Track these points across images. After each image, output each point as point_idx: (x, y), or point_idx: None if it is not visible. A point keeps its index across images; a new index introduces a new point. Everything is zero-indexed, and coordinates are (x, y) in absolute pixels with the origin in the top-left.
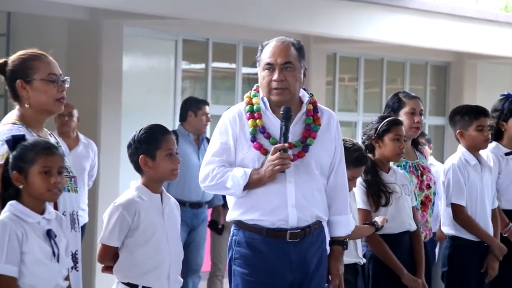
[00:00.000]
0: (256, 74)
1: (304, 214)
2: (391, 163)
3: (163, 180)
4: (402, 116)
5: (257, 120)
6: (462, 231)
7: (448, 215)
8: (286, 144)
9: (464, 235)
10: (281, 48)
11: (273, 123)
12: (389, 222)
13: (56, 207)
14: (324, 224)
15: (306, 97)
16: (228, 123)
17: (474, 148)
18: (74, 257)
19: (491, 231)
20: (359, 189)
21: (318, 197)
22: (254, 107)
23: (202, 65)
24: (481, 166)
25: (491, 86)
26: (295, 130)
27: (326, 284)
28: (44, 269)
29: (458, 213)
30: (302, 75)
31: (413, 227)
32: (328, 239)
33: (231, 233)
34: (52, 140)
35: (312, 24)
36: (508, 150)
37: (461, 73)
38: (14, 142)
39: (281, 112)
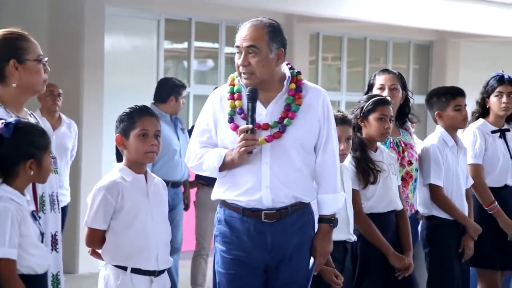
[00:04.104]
0: None
1: (278, 196)
2: (378, 143)
3: (138, 162)
4: (375, 92)
5: (236, 101)
6: (438, 210)
7: (424, 195)
8: (250, 126)
9: (440, 214)
10: (249, 31)
11: None
12: (376, 202)
13: (34, 189)
14: (314, 204)
15: (288, 76)
16: (211, 104)
17: (452, 128)
18: (54, 238)
19: (466, 211)
20: (348, 169)
21: (297, 178)
22: (235, 88)
23: (185, 45)
24: (457, 148)
25: (474, 65)
26: (274, 110)
27: (312, 261)
28: (38, 250)
29: (436, 194)
30: (274, 58)
31: (399, 206)
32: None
33: (216, 211)
34: (32, 120)
35: (295, 3)
36: (494, 128)
37: (444, 52)
38: (14, 128)
39: (247, 93)
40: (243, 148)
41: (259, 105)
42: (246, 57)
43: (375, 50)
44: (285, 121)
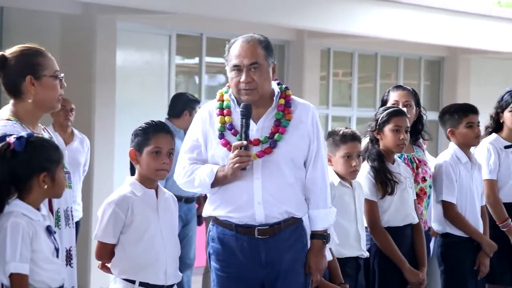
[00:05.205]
0: None
1: (271, 211)
2: (395, 156)
3: (150, 177)
4: None
5: (226, 117)
6: (452, 228)
7: (437, 211)
8: (244, 142)
9: (454, 231)
10: (247, 48)
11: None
12: (393, 215)
13: (50, 204)
14: (306, 219)
15: (277, 92)
16: (200, 120)
17: (465, 145)
18: (68, 253)
19: (481, 228)
20: (366, 179)
21: (289, 193)
22: (224, 104)
23: (196, 60)
24: (471, 164)
25: (484, 81)
26: (265, 126)
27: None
28: (52, 265)
29: (449, 210)
30: (270, 72)
31: (416, 219)
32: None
33: (208, 229)
34: (45, 135)
35: (306, 19)
36: (508, 143)
37: (454, 68)
38: (26, 142)
39: (240, 109)
40: (237, 165)
41: (249, 122)
42: (249, 73)
43: (386, 66)
44: (276, 136)
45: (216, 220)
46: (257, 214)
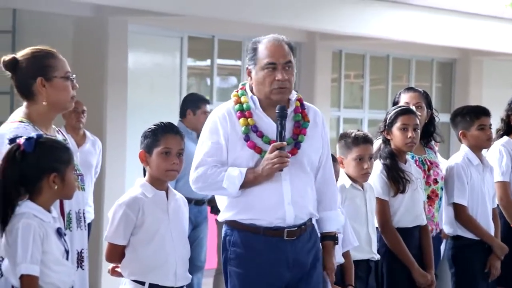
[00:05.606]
0: None
1: (301, 212)
2: (407, 156)
3: (160, 178)
4: None
5: (249, 119)
6: (463, 230)
7: (449, 214)
8: (285, 143)
9: (465, 234)
10: (280, 47)
11: (264, 122)
12: (404, 215)
13: (62, 206)
14: (313, 220)
15: (294, 94)
16: (218, 122)
17: (477, 148)
18: (80, 256)
19: (492, 231)
20: (378, 178)
21: (311, 194)
22: (244, 105)
23: (208, 62)
24: (483, 167)
25: (496, 83)
26: (286, 127)
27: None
28: (62, 267)
29: (460, 213)
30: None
31: (424, 221)
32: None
33: (224, 234)
34: (59, 137)
35: (317, 21)
36: None
37: (466, 70)
38: (36, 143)
39: (276, 111)
40: (277, 165)
41: (272, 123)
42: (284, 71)
43: (397, 68)
44: (299, 137)
45: (236, 224)
46: (287, 215)
